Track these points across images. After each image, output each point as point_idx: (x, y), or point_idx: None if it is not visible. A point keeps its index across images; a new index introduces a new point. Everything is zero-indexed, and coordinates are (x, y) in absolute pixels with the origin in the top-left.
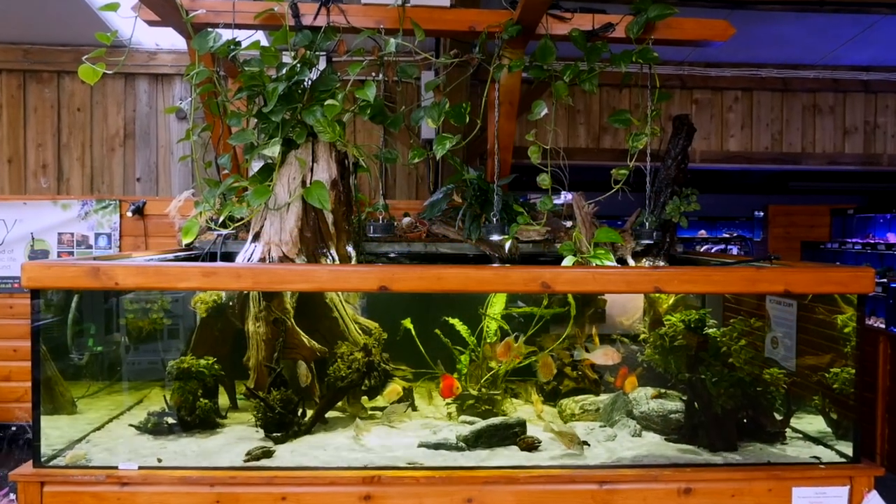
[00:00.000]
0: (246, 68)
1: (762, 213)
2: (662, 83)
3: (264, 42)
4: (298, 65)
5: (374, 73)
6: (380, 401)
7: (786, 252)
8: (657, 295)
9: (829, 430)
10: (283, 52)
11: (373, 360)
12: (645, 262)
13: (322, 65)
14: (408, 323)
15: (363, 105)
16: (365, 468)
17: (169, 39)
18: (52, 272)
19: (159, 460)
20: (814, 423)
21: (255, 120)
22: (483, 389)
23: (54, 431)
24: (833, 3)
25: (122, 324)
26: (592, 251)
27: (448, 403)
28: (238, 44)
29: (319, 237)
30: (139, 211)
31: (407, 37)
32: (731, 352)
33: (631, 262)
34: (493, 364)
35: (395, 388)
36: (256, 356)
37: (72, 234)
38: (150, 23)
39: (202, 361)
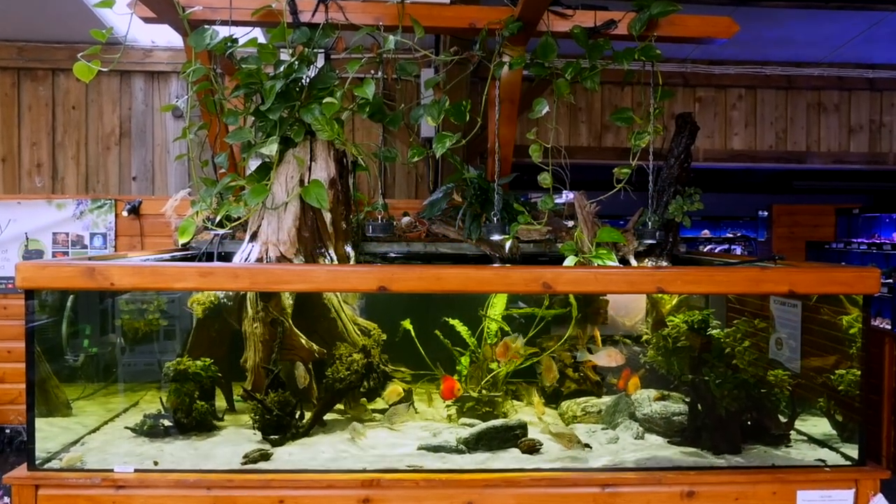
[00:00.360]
0: (243, 66)
1: (766, 213)
2: (665, 81)
3: (262, 39)
4: (296, 62)
5: (373, 71)
6: (379, 403)
7: (790, 252)
8: (660, 296)
9: (834, 432)
10: (281, 50)
11: (372, 362)
12: (647, 263)
13: (320, 62)
14: (407, 324)
15: (362, 103)
16: (364, 471)
17: (165, 37)
18: (46, 272)
19: (155, 463)
20: (819, 426)
21: (253, 118)
22: (483, 391)
23: (49, 434)
24: None
25: (118, 325)
26: (594, 251)
27: (448, 405)
28: (235, 41)
29: (317, 237)
30: (135, 210)
31: (406, 34)
32: (734, 353)
33: (633, 262)
34: (493, 366)
35: (395, 388)
36: (254, 357)
37: (67, 234)
38: (146, 20)
39: (199, 363)
